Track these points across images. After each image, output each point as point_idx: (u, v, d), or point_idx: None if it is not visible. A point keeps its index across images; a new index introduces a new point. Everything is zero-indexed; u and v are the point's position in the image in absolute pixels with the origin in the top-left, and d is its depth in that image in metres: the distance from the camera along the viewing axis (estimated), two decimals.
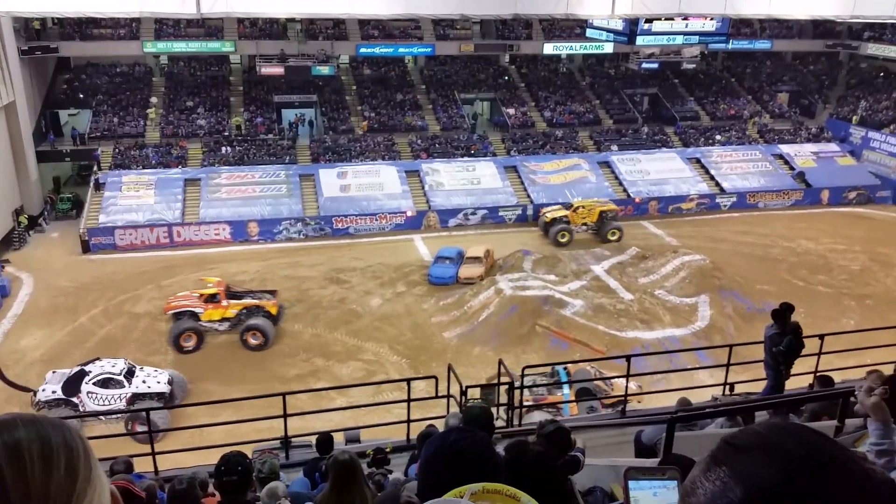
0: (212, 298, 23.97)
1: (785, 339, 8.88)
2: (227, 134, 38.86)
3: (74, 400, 19.29)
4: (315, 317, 25.83)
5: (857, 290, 28.54)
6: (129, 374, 20.06)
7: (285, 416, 10.20)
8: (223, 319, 24.07)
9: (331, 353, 23.42)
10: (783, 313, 9.26)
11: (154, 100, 40.22)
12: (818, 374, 10.83)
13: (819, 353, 11.33)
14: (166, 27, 40.02)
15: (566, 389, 17.87)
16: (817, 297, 27.67)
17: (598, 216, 33.52)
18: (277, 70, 39.38)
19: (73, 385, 19.45)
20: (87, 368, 19.92)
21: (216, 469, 4.29)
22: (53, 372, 20.44)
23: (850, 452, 1.07)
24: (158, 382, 20.00)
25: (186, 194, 34.64)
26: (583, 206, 33.72)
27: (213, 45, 40.42)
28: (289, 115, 41.63)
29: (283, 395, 10.31)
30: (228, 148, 37.74)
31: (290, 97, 41.90)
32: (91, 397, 19.35)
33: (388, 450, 8.05)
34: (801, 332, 9.25)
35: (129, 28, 39.22)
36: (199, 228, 33.00)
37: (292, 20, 40.43)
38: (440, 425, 8.36)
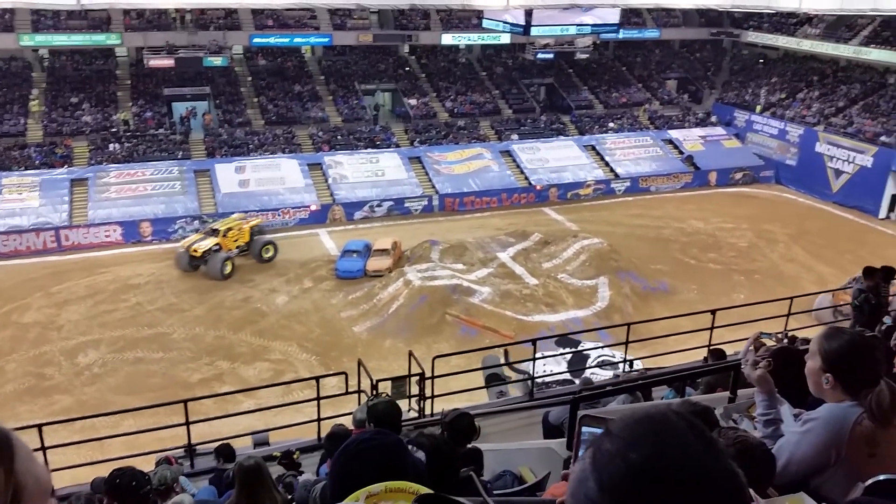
0: None
1: (861, 296, 9.27)
2: (114, 130, 36.93)
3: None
4: (217, 318, 25.01)
5: (746, 265, 30.20)
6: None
7: (188, 423, 9.86)
8: None
9: (236, 355, 22.73)
10: (873, 272, 9.41)
11: (35, 94, 37.77)
12: (711, 347, 11.41)
13: (711, 328, 11.93)
14: (45, 19, 37.59)
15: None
16: (708, 274, 29.16)
17: (249, 235, 29.60)
18: (167, 62, 37.79)
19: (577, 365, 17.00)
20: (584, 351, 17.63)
21: (108, 485, 4.07)
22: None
23: (716, 448, 1.06)
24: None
25: (73, 195, 32.73)
26: (230, 228, 29.15)
27: (98, 38, 38.31)
28: (180, 108, 39.99)
29: (185, 401, 9.94)
30: (117, 145, 35.92)
31: (182, 90, 40.20)
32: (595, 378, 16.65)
33: (295, 456, 7.91)
34: (880, 292, 9.35)
35: (1, 19, 36.64)
36: (89, 231, 31.29)
37: (182, 10, 38.87)
38: (349, 423, 8.27)
